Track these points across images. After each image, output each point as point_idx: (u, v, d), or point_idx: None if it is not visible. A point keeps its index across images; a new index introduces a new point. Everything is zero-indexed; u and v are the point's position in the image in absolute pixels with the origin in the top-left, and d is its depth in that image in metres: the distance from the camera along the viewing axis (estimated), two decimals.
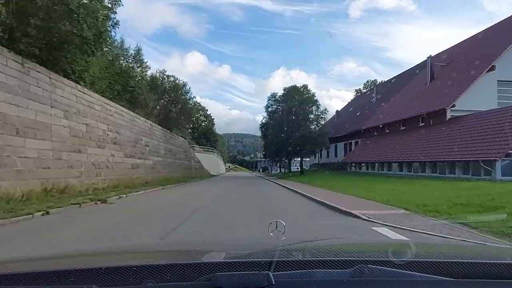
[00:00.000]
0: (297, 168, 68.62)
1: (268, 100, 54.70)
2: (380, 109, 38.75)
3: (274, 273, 0.92)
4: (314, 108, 40.08)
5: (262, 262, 1.04)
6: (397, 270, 0.98)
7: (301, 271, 1.00)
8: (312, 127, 39.66)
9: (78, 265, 1.21)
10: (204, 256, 1.51)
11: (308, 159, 64.27)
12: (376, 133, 36.88)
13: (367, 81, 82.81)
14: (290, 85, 41.32)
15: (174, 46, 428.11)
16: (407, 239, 5.20)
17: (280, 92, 47.85)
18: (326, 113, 41.03)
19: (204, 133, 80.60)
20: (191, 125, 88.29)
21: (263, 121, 56.77)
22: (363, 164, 35.44)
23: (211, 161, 69.87)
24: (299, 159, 55.49)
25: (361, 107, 49.87)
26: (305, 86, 40.09)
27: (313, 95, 39.93)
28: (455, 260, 1.08)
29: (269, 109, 54.59)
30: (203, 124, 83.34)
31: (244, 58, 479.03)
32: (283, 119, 40.60)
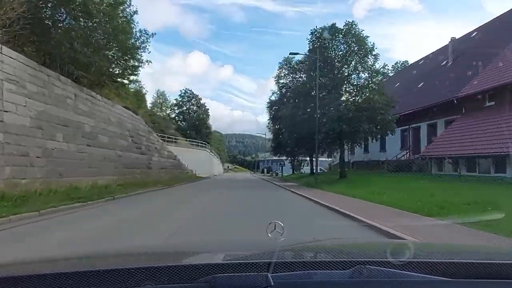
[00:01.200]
0: (312, 170, 50.55)
1: (280, 67, 36.89)
2: (487, 69, 20.92)
3: (273, 274, 0.90)
4: (368, 62, 22.06)
5: (261, 264, 1.00)
6: (395, 270, 0.95)
7: (300, 272, 0.97)
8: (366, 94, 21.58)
9: (75, 268, 1.14)
10: (202, 257, 1.47)
11: (326, 158, 46.32)
12: (491, 103, 18.94)
13: (396, 62, 64.66)
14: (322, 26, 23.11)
15: (176, 46, 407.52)
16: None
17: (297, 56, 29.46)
18: (386, 75, 22.84)
19: (194, 125, 62.64)
20: (182, 116, 69.89)
21: (272, 98, 38.87)
22: (479, 161, 17.41)
23: (201, 159, 52.01)
24: (318, 157, 37.54)
25: (423, 77, 31.92)
26: (350, 24, 22.02)
27: (366, 38, 21.90)
28: (453, 260, 1.07)
29: (282, 81, 36.81)
30: (194, 114, 65.30)
31: (246, 59, 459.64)
32: (309, 87, 22.72)
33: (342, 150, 23.31)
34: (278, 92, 36.38)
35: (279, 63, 36.31)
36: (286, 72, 36.17)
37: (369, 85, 21.75)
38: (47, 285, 0.91)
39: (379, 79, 22.23)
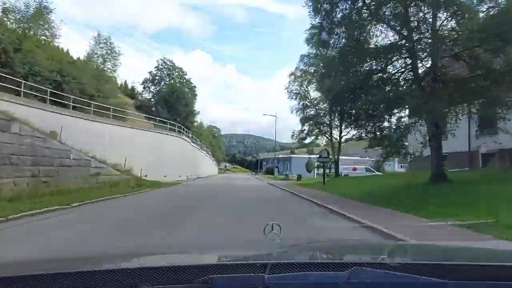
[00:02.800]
0: (346, 172, 27.55)
1: None
2: None
3: (269, 275, 0.88)
4: None
5: (258, 265, 0.98)
6: (392, 272, 0.94)
7: (296, 273, 0.95)
8: None
9: (72, 269, 1.10)
10: (199, 258, 1.43)
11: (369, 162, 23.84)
12: None
13: None
14: None
15: (177, 46, 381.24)
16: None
17: None
18: None
19: (166, 99, 39.80)
20: (159, 95, 45.64)
21: (322, 4, 15.32)
22: None
23: (174, 151, 29.63)
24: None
25: None
26: None
27: None
28: (449, 262, 1.03)
29: None
30: (169, 87, 42.59)
31: (247, 59, 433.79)
32: None
33: None
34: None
35: None
36: None
37: None
38: (45, 285, 0.89)
39: None
